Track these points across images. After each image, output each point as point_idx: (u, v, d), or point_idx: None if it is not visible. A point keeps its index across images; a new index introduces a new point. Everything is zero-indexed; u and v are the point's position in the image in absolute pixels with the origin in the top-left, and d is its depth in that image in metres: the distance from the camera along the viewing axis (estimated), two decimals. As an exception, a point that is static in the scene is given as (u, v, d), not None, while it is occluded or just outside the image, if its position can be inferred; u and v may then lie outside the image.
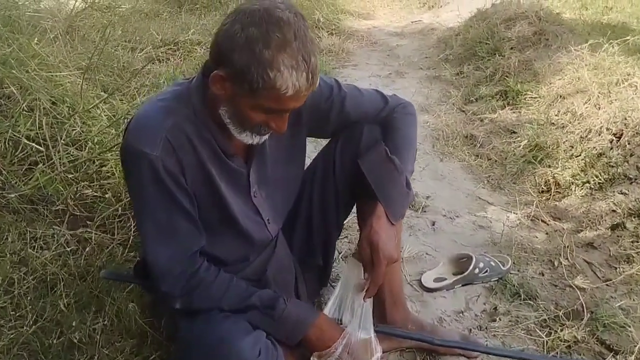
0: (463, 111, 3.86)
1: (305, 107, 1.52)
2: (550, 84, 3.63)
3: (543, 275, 2.21)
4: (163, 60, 4.25)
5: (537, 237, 2.46)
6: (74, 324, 1.68)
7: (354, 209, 1.78)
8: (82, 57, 3.30)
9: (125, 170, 1.41)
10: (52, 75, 2.60)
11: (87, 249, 1.98)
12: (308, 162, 1.75)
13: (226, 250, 1.54)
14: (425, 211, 2.67)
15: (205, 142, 1.39)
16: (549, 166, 2.90)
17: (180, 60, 4.22)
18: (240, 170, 1.48)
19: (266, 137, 1.42)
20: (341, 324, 1.55)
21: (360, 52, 5.53)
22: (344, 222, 1.84)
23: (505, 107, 3.72)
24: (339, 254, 2.32)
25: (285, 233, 1.75)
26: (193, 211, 1.42)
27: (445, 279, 2.16)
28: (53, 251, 1.92)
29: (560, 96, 3.43)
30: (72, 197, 2.18)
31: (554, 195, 2.74)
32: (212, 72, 1.26)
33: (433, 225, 2.57)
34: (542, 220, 2.56)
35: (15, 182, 2.10)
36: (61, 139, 2.29)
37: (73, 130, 2.38)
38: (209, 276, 1.43)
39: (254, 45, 1.18)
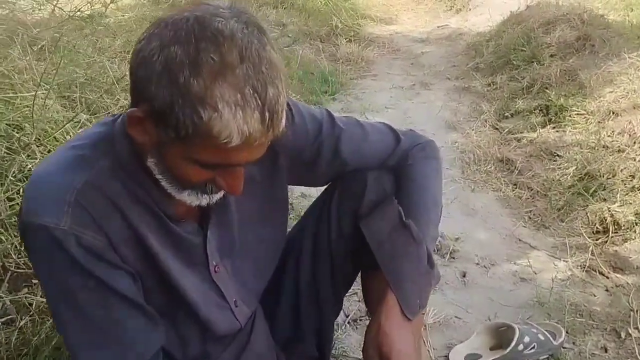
0: (497, 129, 3.37)
1: (284, 151, 1.11)
2: (600, 97, 3.13)
3: (607, 351, 1.72)
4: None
5: (595, 296, 1.97)
6: None
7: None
8: (65, 72, 2.94)
9: (29, 256, 0.99)
10: (12, 96, 2.22)
11: (24, 321, 1.56)
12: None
13: (177, 345, 1.11)
14: (453, 258, 2.20)
15: (139, 204, 0.96)
16: (605, 200, 2.40)
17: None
18: (193, 238, 1.05)
19: (219, 194, 0.98)
20: None
21: (381, 61, 5.07)
22: (345, 295, 1.39)
23: (546, 124, 3.21)
24: (346, 317, 1.87)
25: (265, 312, 1.31)
26: (140, 295, 0.99)
27: (481, 357, 1.69)
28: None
29: (613, 112, 2.93)
30: (17, 248, 1.77)
31: (612, 237, 2.24)
32: (129, 111, 0.85)
33: (464, 277, 2.10)
34: (600, 272, 2.07)
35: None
36: (11, 174, 1.89)
37: (28, 163, 1.98)
38: None
39: (177, 73, 0.77)
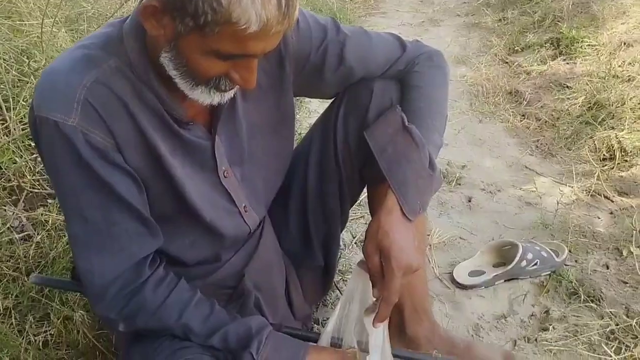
0: (507, 63, 3.34)
1: (289, 58, 1.11)
2: (612, 29, 3.08)
3: (608, 268, 1.76)
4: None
5: (599, 218, 1.99)
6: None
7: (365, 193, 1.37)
8: (72, 5, 2.93)
9: (37, 146, 1.01)
10: (20, 24, 2.22)
11: (40, 236, 1.61)
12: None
13: (187, 248, 1.15)
14: (460, 184, 2.22)
15: (147, 106, 0.98)
16: (613, 128, 2.39)
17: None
18: (201, 142, 1.07)
19: (231, 93, 0.99)
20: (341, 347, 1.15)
21: (390, -1, 4.99)
22: (351, 209, 1.41)
23: (557, 57, 3.17)
24: (353, 238, 1.91)
25: (273, 224, 1.35)
26: (139, 200, 1.01)
27: (484, 273, 1.73)
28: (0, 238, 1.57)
29: (625, 43, 2.88)
30: (32, 169, 1.81)
31: (619, 164, 2.24)
32: (143, 1, 0.84)
33: (469, 201, 2.12)
34: (605, 196, 2.09)
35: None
36: (22, 99, 1.91)
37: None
38: (156, 297, 1.03)
39: None
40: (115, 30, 0.98)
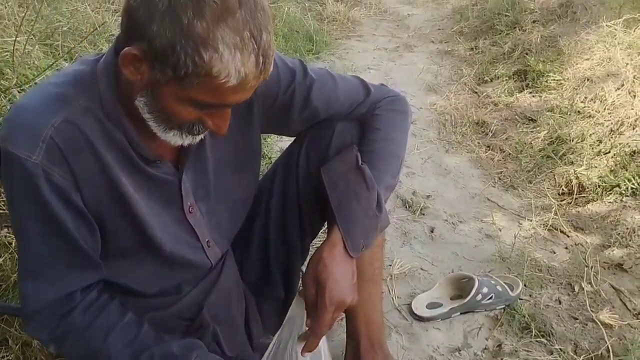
0: (476, 92, 3.43)
1: (257, 98, 1.15)
2: (577, 64, 3.18)
3: (560, 303, 1.82)
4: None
5: (554, 253, 2.06)
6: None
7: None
8: (47, 20, 2.93)
9: (1, 181, 1.03)
10: (-9, 41, 2.22)
11: (2, 258, 1.61)
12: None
13: (147, 280, 1.17)
14: (423, 214, 2.28)
15: (113, 144, 1.01)
16: (572, 163, 2.48)
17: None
18: (168, 178, 1.10)
19: (202, 136, 1.03)
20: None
21: (368, 22, 5.07)
22: (311, 243, 1.45)
23: (523, 89, 3.27)
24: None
25: (235, 255, 1.38)
26: (89, 238, 1.04)
27: (441, 305, 1.78)
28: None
29: (588, 79, 2.99)
30: (-3, 190, 1.81)
31: (576, 199, 2.33)
32: (124, 49, 0.88)
33: (432, 232, 2.18)
34: (562, 231, 2.16)
35: None
36: (-10, 118, 1.92)
37: (8, 106, 2.00)
38: (84, 319, 1.04)
39: (180, 13, 0.81)
40: (88, 69, 1.01)
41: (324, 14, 4.94)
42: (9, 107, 1.92)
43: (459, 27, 4.61)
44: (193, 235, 1.19)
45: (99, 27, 2.86)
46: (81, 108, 0.97)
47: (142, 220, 1.08)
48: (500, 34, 4.02)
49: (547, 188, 2.42)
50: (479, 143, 2.84)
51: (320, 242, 1.16)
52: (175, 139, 0.99)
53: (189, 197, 1.15)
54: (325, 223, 1.37)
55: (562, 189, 2.39)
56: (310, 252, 1.41)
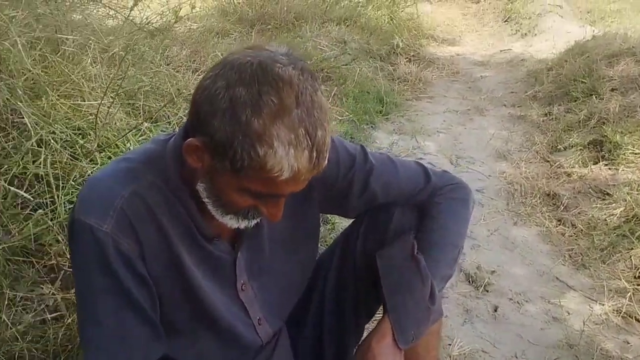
0: (548, 161, 3.34)
1: (317, 182, 1.17)
2: (658, 137, 3.06)
3: (633, 402, 1.71)
4: (222, 84, 4.01)
5: (628, 344, 1.94)
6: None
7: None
8: (132, 80, 3.11)
9: (70, 248, 1.09)
10: (78, 103, 2.38)
11: (72, 318, 1.69)
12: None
13: (201, 354, 1.19)
14: (487, 291, 2.21)
15: (176, 220, 1.06)
16: (650, 245, 2.36)
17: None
18: (224, 256, 1.14)
19: (257, 220, 1.07)
20: None
21: (439, 83, 5.09)
22: (366, 325, 1.44)
23: (599, 161, 3.16)
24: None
25: (290, 335, 1.39)
26: (151, 308, 1.07)
27: (502, 394, 1.71)
28: (34, 317, 1.65)
29: (670, 154, 2.86)
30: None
31: (654, 285, 2.20)
32: (188, 139, 0.93)
33: (495, 311, 2.11)
34: (637, 319, 2.04)
35: (12, 229, 1.86)
36: (72, 179, 2.04)
37: (89, 169, 2.12)
38: None
39: (239, 111, 0.86)
40: (159, 149, 1.07)
41: (396, 74, 5.00)
42: (89, 171, 2.04)
43: (532, 91, 4.54)
44: (244, 312, 1.21)
45: (178, 92, 2.99)
46: (149, 183, 1.03)
47: (198, 293, 1.11)
48: (575, 100, 3.92)
49: (622, 270, 2.31)
50: (549, 216, 2.75)
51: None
52: (231, 222, 1.03)
53: (242, 275, 1.18)
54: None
55: (639, 273, 2.27)
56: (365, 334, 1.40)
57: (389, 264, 1.21)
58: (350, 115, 3.74)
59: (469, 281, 2.26)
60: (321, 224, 2.38)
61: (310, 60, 4.39)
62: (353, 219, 1.38)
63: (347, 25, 5.53)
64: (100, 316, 1.04)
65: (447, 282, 1.25)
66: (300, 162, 0.88)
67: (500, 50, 6.17)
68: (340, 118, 3.68)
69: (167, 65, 3.89)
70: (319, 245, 1.43)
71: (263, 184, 0.92)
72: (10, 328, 1.57)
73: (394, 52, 5.44)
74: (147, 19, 3.82)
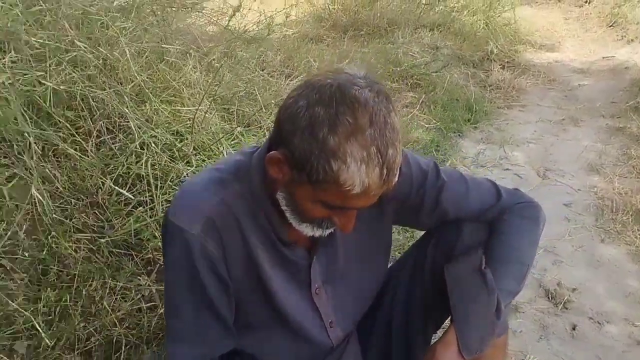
0: (644, 177, 3.20)
1: (391, 196, 1.24)
2: None
3: None
4: (313, 90, 4.14)
5: None
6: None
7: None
8: (228, 85, 3.28)
9: (162, 245, 1.23)
10: (177, 109, 2.56)
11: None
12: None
13: (273, 354, 1.30)
14: (567, 308, 2.18)
15: (258, 226, 1.17)
16: None
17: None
18: (300, 261, 1.24)
19: (330, 230, 1.16)
20: None
21: (534, 91, 4.95)
22: (434, 334, 1.49)
23: (701, 179, 2.99)
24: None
25: (360, 341, 1.46)
26: (226, 307, 1.20)
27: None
28: (131, 306, 1.82)
29: None
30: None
31: None
32: (270, 152, 1.04)
33: (574, 329, 2.08)
34: None
35: (115, 223, 2.06)
36: (170, 180, 2.21)
37: (185, 171, 2.30)
38: None
39: (317, 129, 0.95)
40: (245, 160, 1.19)
41: (488, 81, 4.93)
42: (185, 173, 2.21)
43: (635, 101, 4.33)
44: (317, 315, 1.30)
45: (272, 98, 3.13)
46: (235, 192, 1.15)
47: (274, 295, 1.22)
48: (681, 113, 3.71)
49: None
50: (640, 235, 2.64)
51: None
52: (307, 230, 1.13)
53: (316, 280, 1.27)
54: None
55: None
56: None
57: (457, 277, 1.26)
58: (438, 123, 3.75)
59: (548, 297, 2.23)
60: (401, 233, 2.43)
61: (400, 67, 4.43)
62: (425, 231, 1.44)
63: (440, 31, 5.51)
64: (181, 310, 1.18)
65: (513, 297, 1.28)
66: (371, 178, 0.96)
67: (603, 57, 5.90)
68: (427, 126, 3.70)
69: (262, 70, 4.07)
70: (397, 252, 1.50)
71: (336, 197, 1.00)
72: (110, 314, 1.75)
73: (487, 59, 5.36)
74: (244, 26, 4.01)
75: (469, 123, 3.98)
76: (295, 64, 4.41)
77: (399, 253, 2.22)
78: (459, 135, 3.79)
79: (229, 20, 3.71)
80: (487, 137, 3.83)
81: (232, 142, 2.71)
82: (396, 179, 1.01)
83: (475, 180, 1.36)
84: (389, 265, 1.45)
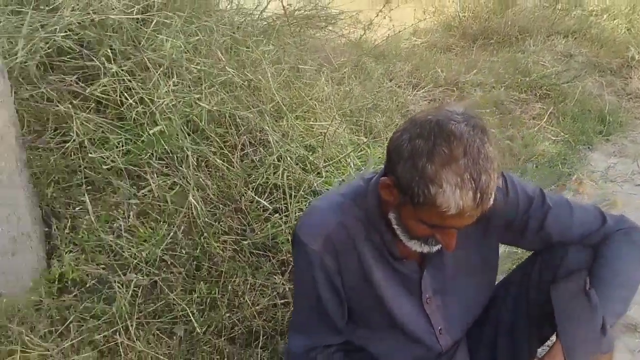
0: None
1: (496, 218, 1.39)
2: None
3: None
4: (439, 101, 4.24)
5: None
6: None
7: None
8: (357, 98, 3.47)
9: (292, 250, 1.48)
10: (310, 124, 2.80)
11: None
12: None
13: (387, 351, 1.49)
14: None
15: (372, 244, 1.38)
16: None
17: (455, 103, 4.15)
18: (411, 274, 1.42)
19: (436, 247, 1.32)
20: None
21: (679, 101, 4.67)
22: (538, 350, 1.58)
23: None
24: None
25: (469, 348, 1.59)
26: (337, 312, 1.43)
27: None
28: (268, 301, 2.08)
29: None
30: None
31: None
32: (382, 177, 1.24)
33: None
34: None
35: (255, 228, 2.33)
36: (302, 190, 2.45)
37: (314, 182, 2.51)
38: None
39: (417, 159, 1.13)
40: (364, 185, 1.39)
41: (627, 90, 4.73)
42: (316, 184, 2.43)
43: None
44: (428, 322, 1.46)
45: (398, 108, 3.29)
46: (353, 216, 1.36)
47: (387, 304, 1.41)
48: None
49: None
50: None
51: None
52: (415, 246, 1.31)
53: (427, 290, 1.44)
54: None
55: None
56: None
57: (563, 296, 1.35)
58: (566, 136, 3.69)
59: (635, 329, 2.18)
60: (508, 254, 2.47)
61: (530, 77, 4.39)
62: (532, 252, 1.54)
63: (575, 38, 5.35)
64: (300, 308, 1.47)
65: (618, 318, 1.35)
66: (464, 201, 1.11)
67: None
68: (553, 138, 3.66)
69: (390, 81, 4.23)
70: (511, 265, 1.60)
71: (435, 217, 1.16)
72: (251, 307, 2.01)
73: (627, 65, 5.12)
74: (374, 41, 4.20)
75: (600, 135, 3.87)
76: (422, 74, 4.52)
77: (513, 265, 2.27)
78: (589, 147, 3.71)
79: (361, 37, 3.92)
80: (620, 150, 3.71)
81: (360, 154, 2.91)
82: (491, 202, 1.15)
83: (581, 206, 1.45)
84: (495, 281, 1.57)
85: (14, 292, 1.68)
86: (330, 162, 2.63)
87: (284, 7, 3.20)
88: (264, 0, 3.10)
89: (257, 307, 2.02)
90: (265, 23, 3.20)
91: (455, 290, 1.46)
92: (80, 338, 1.71)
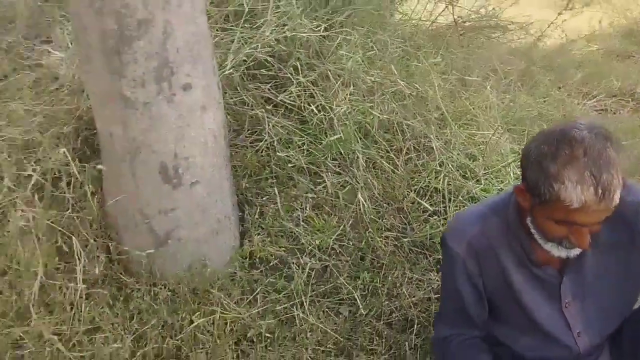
0: None
1: None
2: None
3: None
4: (611, 112, 4.10)
5: None
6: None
7: None
8: (522, 106, 3.50)
9: (441, 251, 1.68)
10: (473, 132, 2.94)
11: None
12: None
13: (527, 348, 1.62)
14: None
15: (511, 251, 1.52)
16: None
17: (628, 114, 3.99)
18: (550, 279, 1.53)
19: (575, 251, 1.43)
20: None
21: None
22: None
23: None
24: None
25: (612, 355, 1.67)
26: (476, 309, 1.60)
27: None
28: (424, 294, 2.29)
29: None
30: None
31: None
32: (518, 184, 1.42)
33: None
34: None
35: (415, 227, 2.55)
36: (460, 195, 2.61)
37: (474, 188, 2.64)
38: (456, 349, 1.61)
39: (542, 161, 1.28)
40: (506, 197, 1.56)
41: None
42: (474, 190, 2.58)
43: None
44: (566, 325, 1.57)
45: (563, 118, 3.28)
46: (493, 225, 1.53)
47: (526, 306, 1.55)
48: None
49: None
50: None
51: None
52: (552, 249, 1.42)
53: (567, 295, 1.55)
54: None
55: None
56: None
57: None
58: None
59: None
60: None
61: None
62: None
63: None
64: (444, 301, 1.69)
65: None
66: (586, 195, 1.23)
67: None
68: None
69: (558, 89, 4.16)
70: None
71: (560, 213, 1.30)
72: (407, 298, 2.23)
73: None
74: (544, 49, 4.17)
75: None
76: (595, 83, 4.39)
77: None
78: None
79: (531, 47, 3.92)
80: None
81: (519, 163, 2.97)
82: (616, 200, 1.25)
83: None
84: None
85: (216, 264, 2.06)
86: (490, 170, 2.75)
87: (454, 19, 3.36)
88: (435, 9, 3.27)
89: (413, 299, 2.23)
90: (435, 32, 3.36)
91: (594, 298, 1.55)
92: (265, 307, 2.06)
